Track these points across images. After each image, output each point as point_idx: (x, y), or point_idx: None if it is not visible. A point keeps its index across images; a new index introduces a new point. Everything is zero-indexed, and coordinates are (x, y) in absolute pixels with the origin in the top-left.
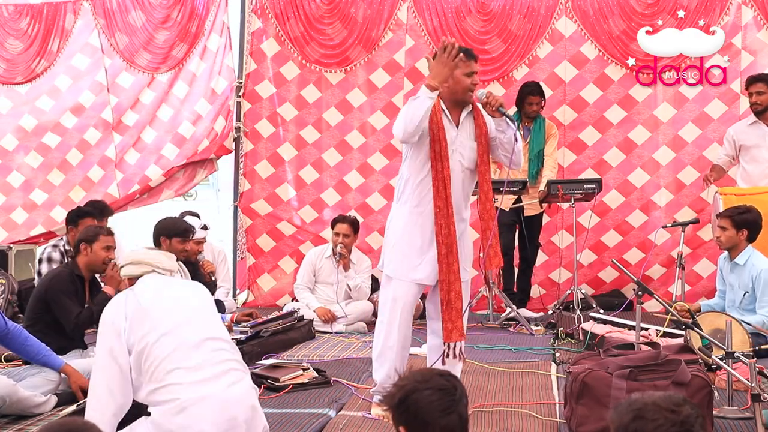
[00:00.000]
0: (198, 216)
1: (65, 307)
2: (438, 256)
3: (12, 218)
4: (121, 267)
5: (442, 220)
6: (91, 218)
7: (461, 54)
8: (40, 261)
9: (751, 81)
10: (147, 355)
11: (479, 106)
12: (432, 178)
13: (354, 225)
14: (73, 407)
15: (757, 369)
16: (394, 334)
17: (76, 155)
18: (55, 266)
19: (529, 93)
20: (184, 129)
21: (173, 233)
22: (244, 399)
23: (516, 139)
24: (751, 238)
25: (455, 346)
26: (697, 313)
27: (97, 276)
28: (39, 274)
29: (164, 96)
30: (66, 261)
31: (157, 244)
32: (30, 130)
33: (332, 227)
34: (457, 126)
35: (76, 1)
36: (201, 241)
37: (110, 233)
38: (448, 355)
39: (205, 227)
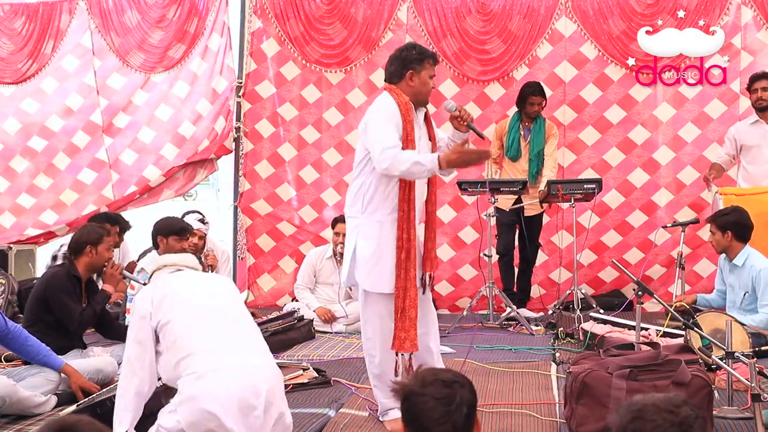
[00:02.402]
0: (200, 214)
1: (67, 305)
2: (396, 261)
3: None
4: (151, 274)
5: (404, 224)
6: (116, 226)
7: (429, 58)
8: (55, 258)
9: (757, 77)
10: (171, 329)
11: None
12: (399, 179)
13: None
14: (73, 407)
15: (757, 369)
16: (390, 352)
17: (64, 159)
18: None
19: (531, 93)
20: (184, 129)
21: (170, 232)
22: (268, 372)
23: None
24: (740, 238)
25: (407, 357)
26: (693, 306)
27: (93, 276)
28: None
29: (163, 96)
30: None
31: (155, 244)
32: (13, 133)
33: (332, 227)
34: (420, 126)
35: (72, 0)
36: (201, 236)
37: (110, 234)
38: (398, 367)
39: (203, 221)
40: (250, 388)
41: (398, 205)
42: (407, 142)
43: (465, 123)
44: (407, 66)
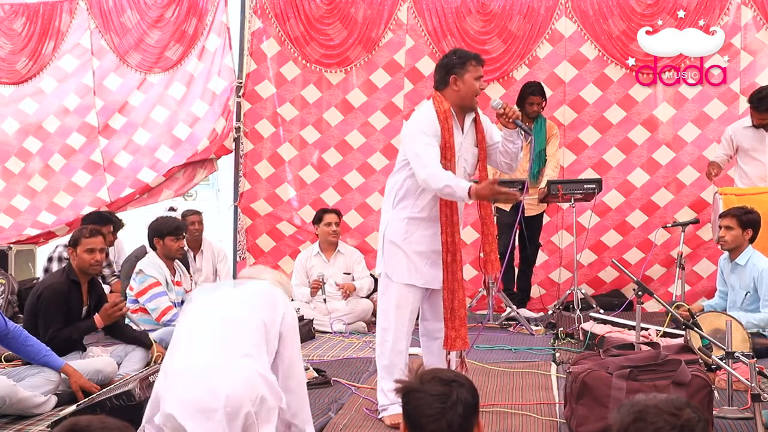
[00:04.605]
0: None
1: (47, 318)
2: (443, 264)
3: None
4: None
5: (448, 228)
6: (109, 225)
7: (471, 60)
8: (50, 259)
9: (765, 110)
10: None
11: (479, 111)
12: None
13: (339, 215)
14: (73, 407)
15: (757, 369)
16: (402, 341)
17: (59, 160)
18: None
19: (531, 93)
20: (179, 131)
21: (165, 233)
22: (241, 378)
23: (521, 148)
24: (752, 239)
25: (457, 354)
26: (698, 313)
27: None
28: (47, 271)
29: (158, 97)
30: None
31: (152, 246)
32: (12, 133)
33: (319, 221)
34: (463, 132)
35: (72, 0)
36: (199, 220)
37: (93, 234)
38: (450, 364)
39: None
40: (209, 391)
41: (441, 210)
42: (445, 148)
43: (511, 120)
44: (450, 72)
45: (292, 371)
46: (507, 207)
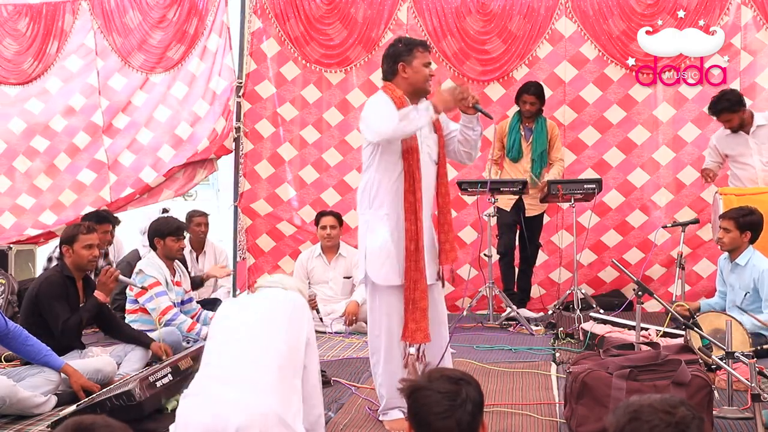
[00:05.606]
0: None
1: (54, 311)
2: (405, 252)
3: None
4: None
5: (411, 215)
6: (107, 224)
7: (418, 46)
8: (50, 259)
9: (720, 111)
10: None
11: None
12: (404, 171)
13: (338, 217)
14: (73, 407)
15: (757, 369)
16: (396, 349)
17: (65, 159)
18: None
19: (525, 91)
20: (181, 130)
21: (166, 233)
22: (252, 412)
23: (480, 135)
24: (753, 240)
25: (418, 348)
26: (697, 313)
27: (91, 274)
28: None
29: (161, 97)
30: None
31: (153, 245)
32: (18, 133)
33: (317, 223)
34: None
35: (74, 0)
36: (204, 222)
37: (90, 230)
38: (405, 356)
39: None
40: (219, 421)
41: (404, 196)
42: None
43: (471, 104)
44: (397, 60)
45: (310, 382)
46: (507, 207)
